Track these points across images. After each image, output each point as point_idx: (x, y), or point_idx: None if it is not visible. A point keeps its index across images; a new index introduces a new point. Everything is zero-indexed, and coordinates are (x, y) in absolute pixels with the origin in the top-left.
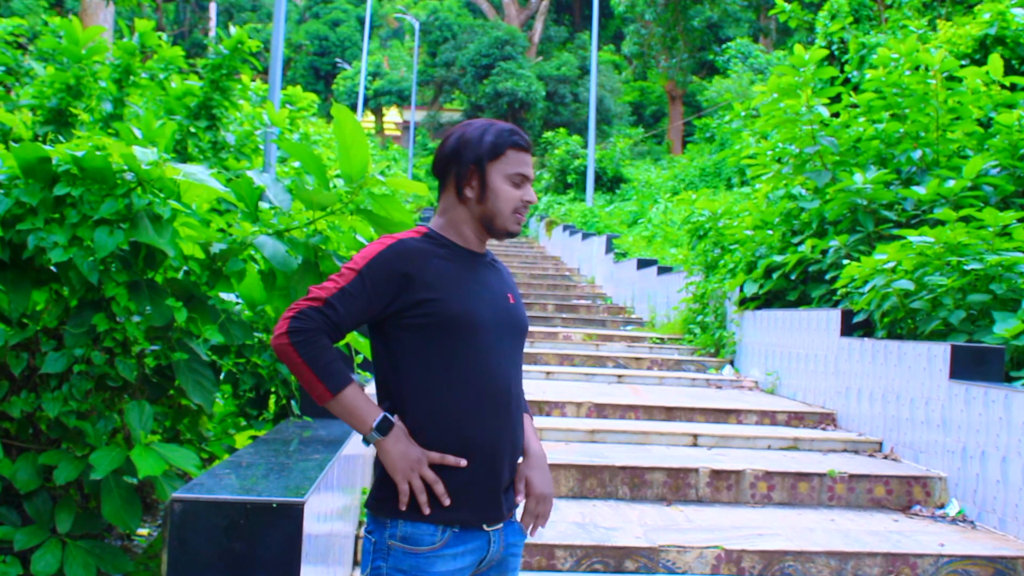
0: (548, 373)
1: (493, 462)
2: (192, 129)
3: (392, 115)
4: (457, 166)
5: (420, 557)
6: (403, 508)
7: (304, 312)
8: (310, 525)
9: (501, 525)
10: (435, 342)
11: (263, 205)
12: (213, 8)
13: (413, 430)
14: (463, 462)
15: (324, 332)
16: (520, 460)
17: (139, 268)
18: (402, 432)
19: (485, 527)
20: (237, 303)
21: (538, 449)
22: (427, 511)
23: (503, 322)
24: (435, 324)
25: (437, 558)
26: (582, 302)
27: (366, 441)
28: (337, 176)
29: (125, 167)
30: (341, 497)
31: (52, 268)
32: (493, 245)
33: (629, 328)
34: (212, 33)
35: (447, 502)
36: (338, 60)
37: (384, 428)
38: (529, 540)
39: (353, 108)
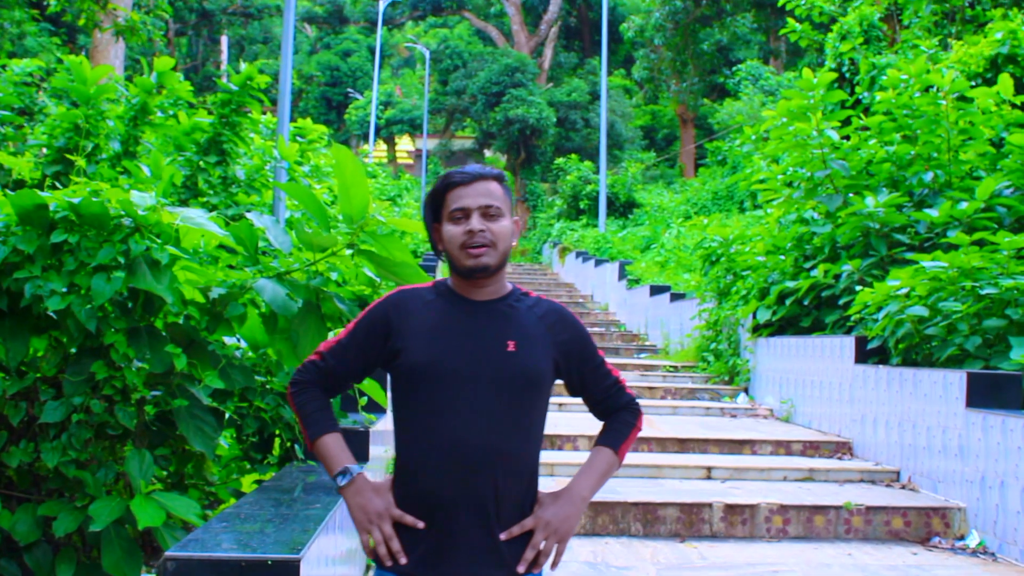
0: (560, 405)
1: (446, 518)
2: (202, 164)
3: (404, 144)
4: (428, 231)
5: None
6: (368, 556)
7: (304, 365)
8: None
9: None
10: (405, 392)
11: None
12: (225, 41)
13: (394, 480)
14: (420, 524)
15: (316, 383)
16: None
17: (138, 314)
18: (366, 485)
19: None
20: (239, 345)
21: (576, 485)
22: (387, 563)
23: (483, 373)
24: (404, 373)
25: None
26: (595, 329)
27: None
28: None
29: (123, 212)
30: (345, 541)
31: (51, 315)
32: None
33: (643, 356)
34: (224, 66)
35: (403, 560)
36: (350, 90)
37: (344, 479)
38: None
39: (365, 137)
